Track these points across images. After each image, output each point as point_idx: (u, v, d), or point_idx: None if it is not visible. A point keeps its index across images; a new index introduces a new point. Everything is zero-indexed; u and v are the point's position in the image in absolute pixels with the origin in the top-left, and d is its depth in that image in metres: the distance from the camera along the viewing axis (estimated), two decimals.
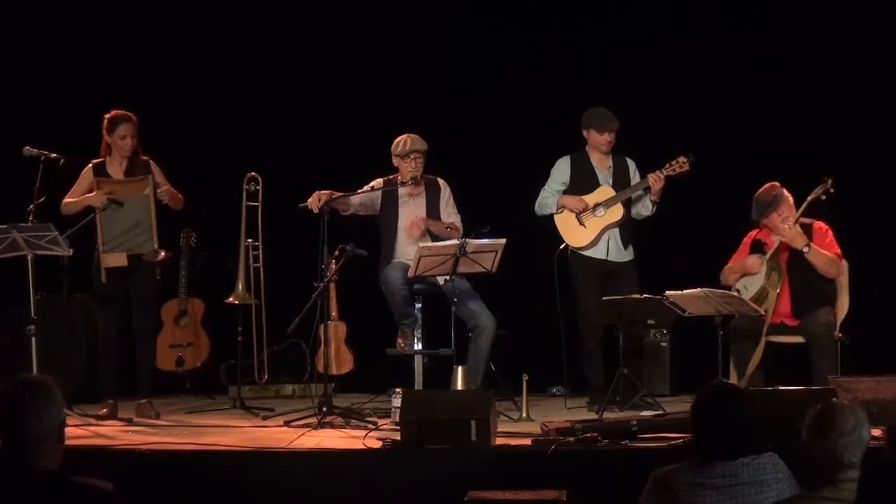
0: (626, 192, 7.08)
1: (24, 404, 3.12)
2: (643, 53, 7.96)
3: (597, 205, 7.07)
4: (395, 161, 7.06)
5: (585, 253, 7.10)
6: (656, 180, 6.95)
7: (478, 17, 8.18)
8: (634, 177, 7.14)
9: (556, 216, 7.14)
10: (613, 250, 7.11)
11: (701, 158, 7.03)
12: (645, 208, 7.13)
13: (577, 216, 7.08)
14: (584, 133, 7.15)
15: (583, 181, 7.13)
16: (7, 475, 3.09)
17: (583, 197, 7.08)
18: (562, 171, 7.18)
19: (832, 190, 6.54)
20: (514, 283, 7.35)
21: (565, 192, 7.14)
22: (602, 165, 7.16)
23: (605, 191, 7.10)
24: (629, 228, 7.15)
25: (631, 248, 7.16)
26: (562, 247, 7.14)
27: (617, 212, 7.07)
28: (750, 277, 6.68)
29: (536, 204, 7.18)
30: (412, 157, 6.98)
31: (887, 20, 7.62)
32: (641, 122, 7.43)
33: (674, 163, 6.96)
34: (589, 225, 7.08)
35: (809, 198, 6.58)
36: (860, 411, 3.38)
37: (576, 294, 7.15)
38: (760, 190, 6.67)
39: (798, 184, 6.68)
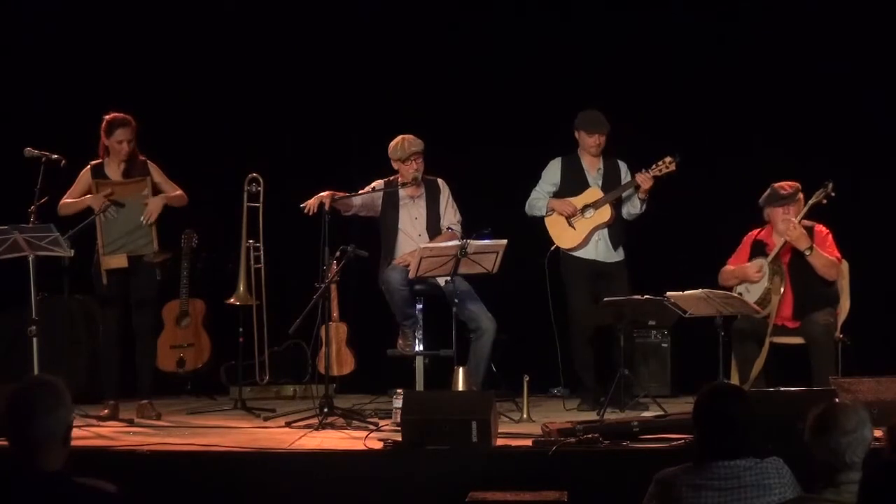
0: (614, 193, 7.11)
1: (33, 403, 3.12)
2: (641, 54, 7.96)
3: (585, 206, 7.10)
4: (395, 165, 7.05)
5: (575, 254, 7.15)
6: (645, 180, 6.97)
7: (476, 18, 8.18)
8: (625, 179, 7.17)
9: (546, 218, 7.19)
10: (603, 251, 7.15)
11: (700, 158, 7.02)
12: (634, 207, 7.15)
13: (566, 218, 7.11)
14: (576, 134, 7.19)
15: (573, 182, 7.18)
16: (11, 475, 3.09)
17: (571, 200, 7.13)
18: (553, 172, 7.24)
19: (833, 194, 6.53)
20: (514, 284, 7.35)
21: (556, 194, 7.18)
22: (592, 167, 7.20)
23: (593, 192, 7.14)
24: (619, 229, 7.17)
25: (621, 249, 7.19)
26: (552, 248, 7.17)
27: (605, 213, 7.10)
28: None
29: (527, 205, 7.23)
30: (412, 159, 6.97)
31: (885, 21, 7.62)
32: (638, 122, 7.43)
33: (660, 163, 6.99)
34: (578, 227, 7.12)
35: (811, 201, 6.57)
36: (863, 411, 3.39)
37: (567, 295, 7.17)
38: (783, 182, 6.64)
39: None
